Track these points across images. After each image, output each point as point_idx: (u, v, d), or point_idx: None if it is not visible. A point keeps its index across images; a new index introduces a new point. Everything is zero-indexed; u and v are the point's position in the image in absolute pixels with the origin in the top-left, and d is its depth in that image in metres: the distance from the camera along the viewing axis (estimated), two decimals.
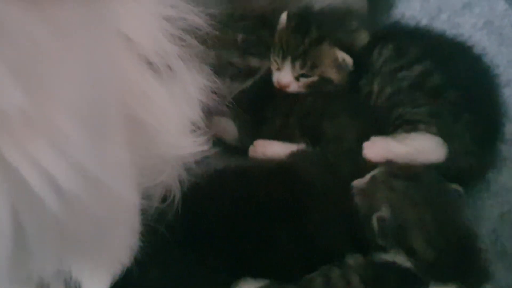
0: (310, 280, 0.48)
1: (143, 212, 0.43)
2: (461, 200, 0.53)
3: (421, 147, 0.55)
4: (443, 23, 0.67)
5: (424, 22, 0.68)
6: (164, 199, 0.47)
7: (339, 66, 0.60)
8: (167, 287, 0.45)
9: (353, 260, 0.50)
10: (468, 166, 0.57)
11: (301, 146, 0.58)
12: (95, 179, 0.30)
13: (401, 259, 0.49)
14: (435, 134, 0.55)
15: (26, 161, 0.26)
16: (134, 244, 0.43)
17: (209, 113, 0.50)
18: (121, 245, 0.42)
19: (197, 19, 0.45)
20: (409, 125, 0.55)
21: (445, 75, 0.56)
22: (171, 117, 0.44)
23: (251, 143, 0.60)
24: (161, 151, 0.43)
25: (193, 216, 0.48)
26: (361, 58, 0.61)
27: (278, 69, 0.63)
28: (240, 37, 0.64)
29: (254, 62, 0.66)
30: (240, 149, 0.63)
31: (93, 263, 0.42)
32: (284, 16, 0.63)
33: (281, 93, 0.62)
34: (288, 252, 0.50)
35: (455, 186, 0.53)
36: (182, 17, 0.44)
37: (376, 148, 0.55)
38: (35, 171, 0.26)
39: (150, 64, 0.41)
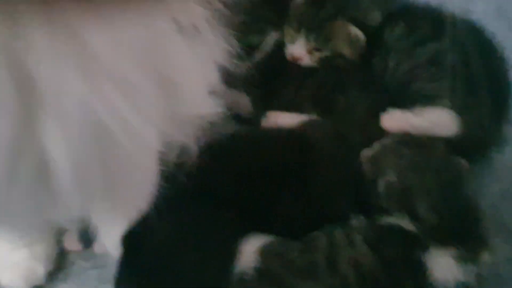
0: (314, 238, 0.50)
1: (163, 161, 0.45)
2: (465, 172, 0.55)
3: (437, 120, 0.57)
4: (454, 8, 0.69)
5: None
6: (181, 153, 0.48)
7: (352, 41, 0.62)
8: (180, 235, 0.47)
9: (357, 221, 0.52)
10: (477, 140, 0.59)
11: (312, 117, 0.60)
12: (130, 121, 0.32)
13: (405, 223, 0.50)
14: (450, 108, 0.57)
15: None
16: (152, 191, 0.44)
17: (226, 81, 0.52)
18: (140, 190, 0.44)
19: None
20: (425, 99, 0.58)
21: (459, 55, 0.58)
22: (194, 77, 0.45)
23: (264, 116, 0.63)
24: (182, 108, 0.45)
25: (208, 172, 0.49)
26: (373, 36, 0.63)
27: (292, 41, 0.65)
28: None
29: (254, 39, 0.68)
30: (253, 121, 0.65)
31: (113, 208, 0.44)
32: None
33: (293, 66, 0.64)
34: (295, 211, 0.52)
35: (459, 158, 0.55)
36: None
37: (395, 119, 0.58)
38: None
39: (178, 23, 0.42)
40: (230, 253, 0.50)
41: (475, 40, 0.62)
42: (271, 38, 0.66)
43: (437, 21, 0.62)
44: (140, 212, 0.45)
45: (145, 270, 0.47)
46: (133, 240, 0.46)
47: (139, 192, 0.44)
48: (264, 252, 0.50)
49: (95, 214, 0.46)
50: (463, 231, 0.50)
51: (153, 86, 0.36)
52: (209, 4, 0.45)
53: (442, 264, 0.48)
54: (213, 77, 0.49)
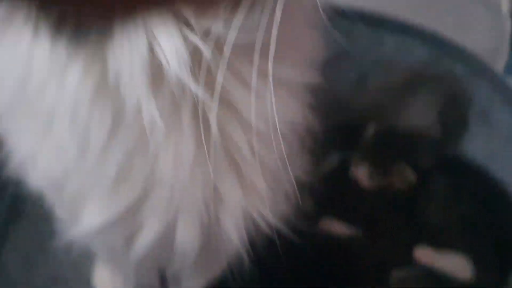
0: None
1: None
2: None
3: (457, 265, 0.71)
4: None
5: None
6: None
7: (405, 179, 0.78)
8: None
9: None
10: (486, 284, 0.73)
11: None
12: None
13: None
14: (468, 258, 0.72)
15: None
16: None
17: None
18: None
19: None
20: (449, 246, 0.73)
21: (483, 214, 0.74)
22: None
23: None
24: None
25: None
26: (422, 178, 0.79)
27: (357, 164, 0.82)
28: None
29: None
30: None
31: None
32: (371, 128, 0.82)
33: (354, 184, 0.81)
34: None
35: None
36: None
37: (425, 254, 0.72)
38: None
39: None
40: None
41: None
42: (334, 158, 0.84)
43: (474, 182, 0.78)
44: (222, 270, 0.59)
45: None
46: None
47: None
48: None
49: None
50: None
51: None
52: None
53: None
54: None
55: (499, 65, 0.99)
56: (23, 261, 0.78)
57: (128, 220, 0.40)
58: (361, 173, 0.80)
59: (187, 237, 0.41)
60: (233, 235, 0.43)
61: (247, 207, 0.41)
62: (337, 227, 0.77)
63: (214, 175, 0.36)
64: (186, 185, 0.37)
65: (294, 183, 0.40)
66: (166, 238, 0.41)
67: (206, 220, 0.40)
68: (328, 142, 0.84)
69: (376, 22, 0.91)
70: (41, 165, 0.37)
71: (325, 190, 0.77)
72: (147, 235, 0.40)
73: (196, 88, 0.31)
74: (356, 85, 0.88)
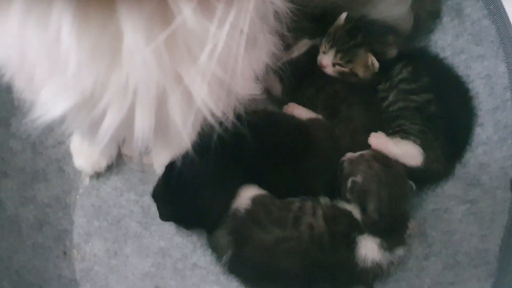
0: (291, 201, 0.72)
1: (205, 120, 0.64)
2: (411, 193, 0.75)
3: (408, 152, 0.75)
4: (460, 62, 0.86)
5: (447, 54, 0.88)
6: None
7: (367, 67, 0.79)
8: (204, 174, 0.68)
9: (323, 199, 0.73)
10: (435, 171, 0.78)
11: (319, 116, 0.79)
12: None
13: (355, 212, 0.72)
14: (419, 145, 0.76)
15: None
16: (193, 138, 0.64)
17: (266, 71, 0.71)
18: (186, 135, 0.59)
19: (281, 4, 0.63)
20: (404, 134, 0.76)
21: (440, 107, 0.76)
22: (246, 71, 0.63)
23: (288, 100, 0.82)
24: (234, 89, 0.58)
25: (235, 135, 0.69)
26: (386, 67, 0.81)
27: (324, 52, 0.82)
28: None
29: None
30: (279, 101, 0.85)
31: (167, 140, 0.63)
32: (343, 16, 0.82)
33: (319, 71, 0.83)
34: (286, 179, 0.74)
35: (411, 182, 0.75)
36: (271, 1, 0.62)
37: (379, 141, 0.76)
38: None
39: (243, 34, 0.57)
40: (232, 194, 0.73)
41: (457, 95, 0.80)
42: (304, 43, 0.85)
43: (435, 74, 0.80)
44: (183, 150, 0.65)
45: (175, 190, 0.69)
46: (173, 168, 0.67)
47: (185, 137, 0.63)
48: (255, 200, 0.73)
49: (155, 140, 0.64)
50: (391, 231, 0.72)
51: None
52: (265, 19, 0.62)
53: (368, 246, 0.70)
54: (259, 71, 0.68)
55: None
56: None
57: (91, 106, 0.45)
58: (327, 60, 0.81)
59: (144, 122, 0.47)
60: (180, 125, 0.50)
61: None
62: (300, 111, 0.80)
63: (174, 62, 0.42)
64: (142, 71, 0.42)
65: None
66: (126, 123, 0.47)
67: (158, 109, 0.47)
68: (300, 28, 0.85)
69: None
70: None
71: (292, 73, 0.79)
72: (110, 120, 0.46)
73: None
74: None
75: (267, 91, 0.84)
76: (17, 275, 0.70)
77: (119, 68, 0.42)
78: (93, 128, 0.50)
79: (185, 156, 0.65)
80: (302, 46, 0.86)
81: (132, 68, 0.42)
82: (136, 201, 0.81)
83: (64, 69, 0.42)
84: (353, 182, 0.72)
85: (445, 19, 0.88)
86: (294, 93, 0.83)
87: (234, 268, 0.73)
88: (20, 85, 0.51)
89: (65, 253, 0.77)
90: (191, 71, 0.45)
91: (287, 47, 0.83)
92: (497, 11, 0.80)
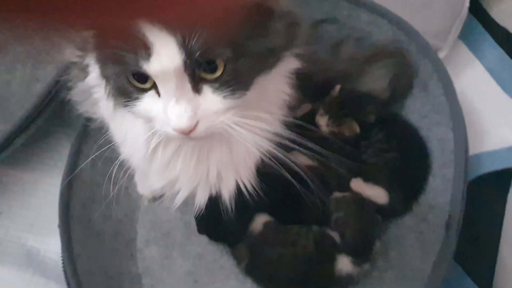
0: (291, 228, 0.99)
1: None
2: (379, 223, 1.05)
3: (378, 194, 1.02)
4: (424, 124, 1.14)
5: (415, 117, 1.15)
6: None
7: (352, 130, 1.08)
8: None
9: (314, 227, 0.99)
10: (397, 208, 1.06)
11: (315, 164, 1.08)
12: None
13: (337, 237, 1.01)
14: (386, 189, 1.03)
15: None
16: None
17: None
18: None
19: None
20: (375, 181, 1.03)
21: (403, 162, 1.04)
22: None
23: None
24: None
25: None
26: (366, 129, 1.09)
27: (321, 115, 1.11)
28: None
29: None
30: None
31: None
32: (337, 89, 1.10)
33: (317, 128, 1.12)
34: (288, 212, 1.01)
35: (378, 216, 1.04)
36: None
37: (357, 185, 1.04)
38: None
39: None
40: (249, 220, 1.03)
41: (416, 149, 1.08)
42: (306, 106, 1.12)
43: (403, 136, 1.08)
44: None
45: (210, 216, 0.97)
46: (210, 202, 0.97)
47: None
48: (265, 225, 0.95)
49: None
50: (361, 252, 1.01)
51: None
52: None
53: (344, 262, 0.98)
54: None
55: (449, 42, 1.23)
56: None
57: (171, 187, 0.78)
58: (322, 121, 1.10)
59: (201, 199, 0.80)
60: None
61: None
62: (301, 159, 1.09)
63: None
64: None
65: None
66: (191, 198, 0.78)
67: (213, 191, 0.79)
68: (305, 95, 1.14)
69: (355, 2, 1.14)
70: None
71: (296, 129, 1.08)
72: (181, 196, 0.80)
73: None
74: (332, 52, 1.14)
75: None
76: (102, 271, 1.02)
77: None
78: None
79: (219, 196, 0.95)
80: (304, 108, 1.15)
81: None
82: (181, 218, 1.06)
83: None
84: (337, 216, 1.02)
85: (415, 90, 1.13)
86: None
87: (249, 272, 1.03)
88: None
89: (132, 255, 1.08)
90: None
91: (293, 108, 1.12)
92: (450, 92, 1.08)
